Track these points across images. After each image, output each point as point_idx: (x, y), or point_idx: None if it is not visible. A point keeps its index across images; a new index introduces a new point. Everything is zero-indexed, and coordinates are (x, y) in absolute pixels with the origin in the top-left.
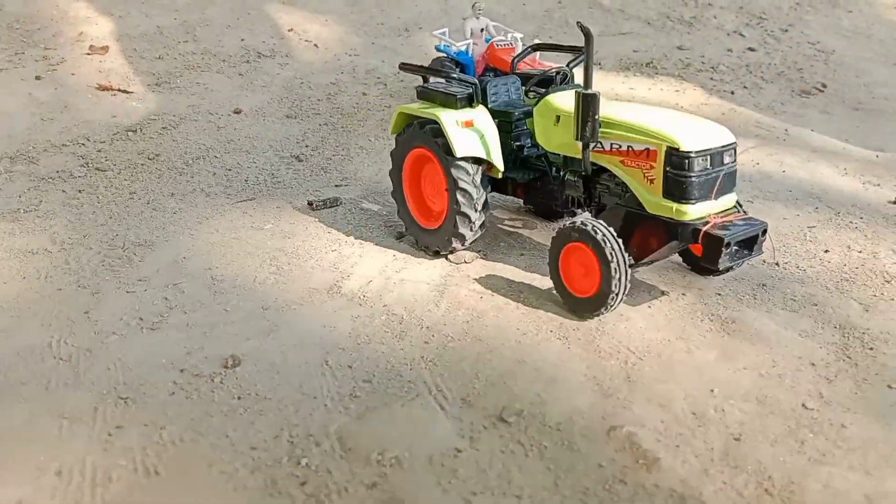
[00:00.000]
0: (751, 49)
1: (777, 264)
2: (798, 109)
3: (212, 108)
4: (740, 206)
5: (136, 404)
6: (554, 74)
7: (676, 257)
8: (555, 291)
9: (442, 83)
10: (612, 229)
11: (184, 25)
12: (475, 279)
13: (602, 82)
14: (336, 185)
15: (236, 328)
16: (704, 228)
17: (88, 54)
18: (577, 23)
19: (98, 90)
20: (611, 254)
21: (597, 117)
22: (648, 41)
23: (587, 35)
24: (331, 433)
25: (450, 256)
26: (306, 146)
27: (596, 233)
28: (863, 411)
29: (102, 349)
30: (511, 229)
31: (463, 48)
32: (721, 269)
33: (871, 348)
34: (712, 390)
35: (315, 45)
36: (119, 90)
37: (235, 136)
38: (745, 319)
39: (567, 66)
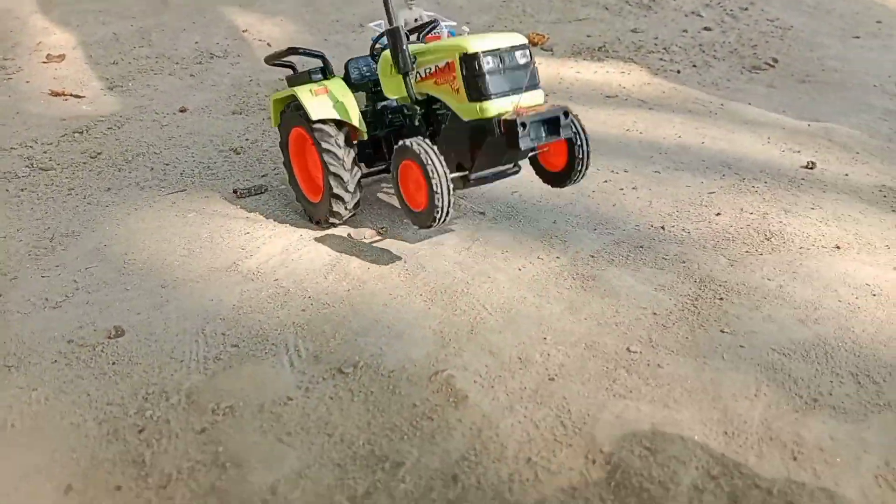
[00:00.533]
0: (706, 29)
1: (663, 228)
2: (744, 85)
3: (158, 107)
4: (574, 117)
5: (18, 371)
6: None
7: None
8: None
9: (304, 63)
10: (431, 145)
11: (140, 31)
12: (369, 253)
13: (549, 68)
14: (262, 175)
15: (130, 304)
16: (503, 117)
17: (45, 62)
18: None
19: (51, 96)
20: (431, 169)
21: (404, 48)
22: (604, 26)
23: None
24: (182, 389)
25: (352, 233)
26: (246, 139)
27: (419, 150)
28: (685, 353)
29: (4, 326)
30: None
31: None
32: (522, 148)
33: (721, 298)
34: (545, 338)
35: (268, 45)
36: (71, 95)
37: (177, 133)
38: (606, 277)
39: (419, 37)
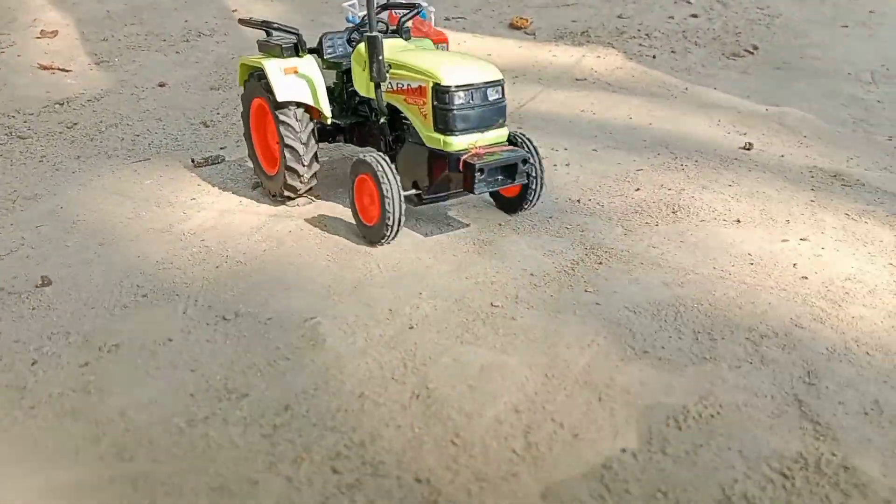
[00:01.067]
0: (693, 16)
1: (579, 201)
2: (718, 71)
3: (139, 82)
4: (528, 141)
5: None
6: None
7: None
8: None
9: (280, 36)
10: (389, 163)
11: (132, 10)
12: (296, 218)
13: (528, 51)
14: (223, 148)
15: (65, 259)
16: (464, 157)
17: (38, 38)
18: None
19: (39, 69)
20: (385, 185)
21: (381, 58)
22: (590, 11)
23: None
24: (82, 331)
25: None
26: (218, 113)
27: (376, 167)
28: (542, 308)
29: None
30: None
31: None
32: (477, 192)
33: (601, 263)
34: (421, 293)
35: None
36: (58, 69)
37: (153, 107)
38: (503, 243)
39: (400, 20)
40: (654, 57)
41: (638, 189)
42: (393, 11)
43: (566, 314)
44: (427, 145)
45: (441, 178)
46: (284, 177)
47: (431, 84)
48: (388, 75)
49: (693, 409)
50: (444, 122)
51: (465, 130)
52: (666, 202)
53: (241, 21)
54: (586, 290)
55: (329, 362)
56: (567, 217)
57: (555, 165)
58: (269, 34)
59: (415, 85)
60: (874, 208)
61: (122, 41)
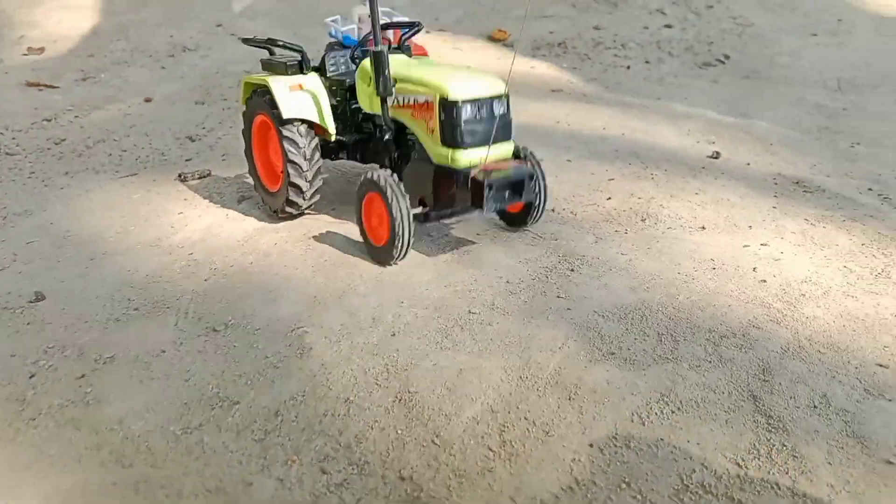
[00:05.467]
0: (668, 26)
1: (553, 210)
2: (690, 80)
3: (125, 97)
4: (531, 156)
5: None
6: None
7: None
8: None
9: (283, 54)
10: (397, 182)
11: (118, 26)
12: (282, 231)
13: (506, 62)
14: (210, 162)
15: (57, 273)
16: (472, 173)
17: (25, 55)
18: None
19: (27, 86)
20: (395, 206)
21: (387, 72)
22: (568, 23)
23: None
24: (77, 344)
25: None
26: (203, 128)
27: (385, 186)
28: (517, 314)
29: None
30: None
31: (347, 32)
32: (486, 210)
33: (573, 269)
34: (402, 302)
35: (239, 39)
36: (46, 85)
37: (139, 122)
38: (480, 251)
39: (401, 37)
40: (628, 67)
41: (609, 198)
42: (398, 29)
43: (539, 319)
44: (434, 162)
45: (448, 195)
46: (287, 193)
47: (438, 98)
48: (393, 90)
49: (655, 405)
50: (451, 137)
51: (473, 144)
52: (635, 210)
53: (245, 40)
54: (558, 296)
55: (316, 369)
56: (542, 226)
57: None
58: (271, 52)
59: (421, 99)
60: (832, 213)
61: (108, 57)
